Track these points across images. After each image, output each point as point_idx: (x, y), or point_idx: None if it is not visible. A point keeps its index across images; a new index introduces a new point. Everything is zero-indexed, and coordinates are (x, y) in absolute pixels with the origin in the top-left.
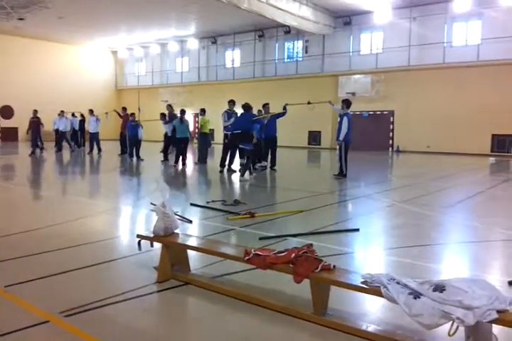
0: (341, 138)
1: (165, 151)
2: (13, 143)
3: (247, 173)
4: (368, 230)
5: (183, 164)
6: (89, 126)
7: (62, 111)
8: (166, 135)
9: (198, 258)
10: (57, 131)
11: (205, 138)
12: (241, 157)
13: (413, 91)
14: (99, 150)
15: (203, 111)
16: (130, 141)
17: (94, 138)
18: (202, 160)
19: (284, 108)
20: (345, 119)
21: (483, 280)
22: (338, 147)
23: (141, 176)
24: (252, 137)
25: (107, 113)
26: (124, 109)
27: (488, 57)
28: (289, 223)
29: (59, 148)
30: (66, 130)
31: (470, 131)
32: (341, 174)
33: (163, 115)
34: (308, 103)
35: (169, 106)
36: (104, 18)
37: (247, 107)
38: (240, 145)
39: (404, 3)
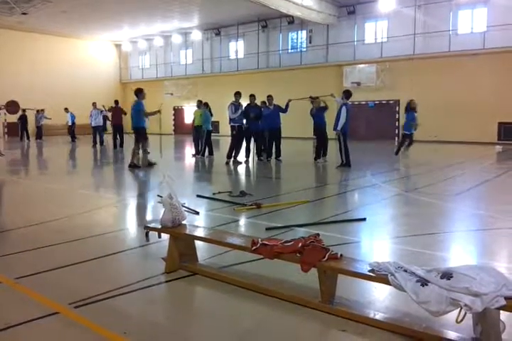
0: (339, 127)
1: None
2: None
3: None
4: (374, 219)
5: (210, 154)
6: (92, 120)
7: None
8: None
9: (206, 249)
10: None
11: (197, 131)
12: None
13: (418, 80)
14: (102, 143)
15: (204, 104)
16: None
17: (98, 131)
18: (200, 152)
19: (287, 106)
20: (343, 109)
21: (490, 267)
22: (337, 137)
23: (148, 169)
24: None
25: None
26: (116, 102)
27: (495, 44)
28: (295, 213)
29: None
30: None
31: (477, 120)
32: (343, 164)
33: None
34: (310, 97)
35: None
36: (108, 12)
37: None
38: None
39: None
